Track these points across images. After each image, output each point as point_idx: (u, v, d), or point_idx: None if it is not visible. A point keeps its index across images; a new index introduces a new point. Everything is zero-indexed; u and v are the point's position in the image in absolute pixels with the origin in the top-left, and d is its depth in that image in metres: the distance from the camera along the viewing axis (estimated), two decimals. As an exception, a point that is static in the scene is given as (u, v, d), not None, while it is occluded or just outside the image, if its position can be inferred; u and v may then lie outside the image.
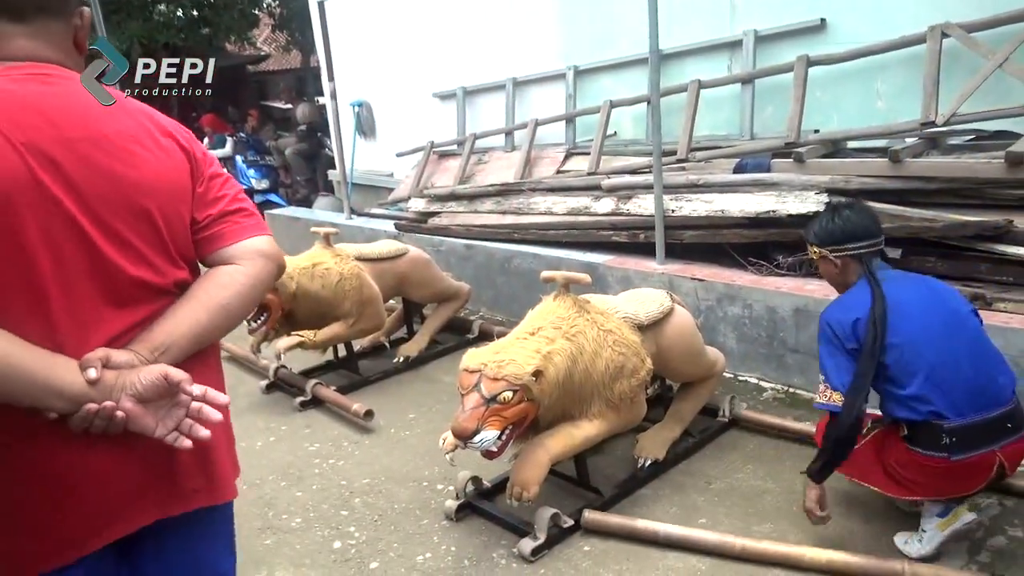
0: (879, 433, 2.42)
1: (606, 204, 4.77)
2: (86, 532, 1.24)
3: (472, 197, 5.74)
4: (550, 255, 4.78)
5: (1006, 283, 3.38)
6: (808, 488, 2.40)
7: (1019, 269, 3.36)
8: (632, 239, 4.54)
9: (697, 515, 2.79)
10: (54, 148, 1.17)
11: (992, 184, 3.53)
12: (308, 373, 4.35)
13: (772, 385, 3.78)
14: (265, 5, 16.91)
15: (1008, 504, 2.68)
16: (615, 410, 2.74)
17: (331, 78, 6.53)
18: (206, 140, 9.84)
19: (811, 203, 3.80)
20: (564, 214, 4.99)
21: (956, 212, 3.55)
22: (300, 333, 4.04)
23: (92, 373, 1.14)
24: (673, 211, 4.29)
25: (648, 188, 4.40)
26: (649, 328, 2.95)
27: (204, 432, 1.21)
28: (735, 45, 4.98)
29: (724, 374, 3.47)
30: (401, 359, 4.49)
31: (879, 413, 2.41)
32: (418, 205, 6.13)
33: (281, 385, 4.26)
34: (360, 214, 6.94)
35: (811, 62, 4.40)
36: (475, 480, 2.93)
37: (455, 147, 6.78)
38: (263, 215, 7.73)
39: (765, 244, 4.07)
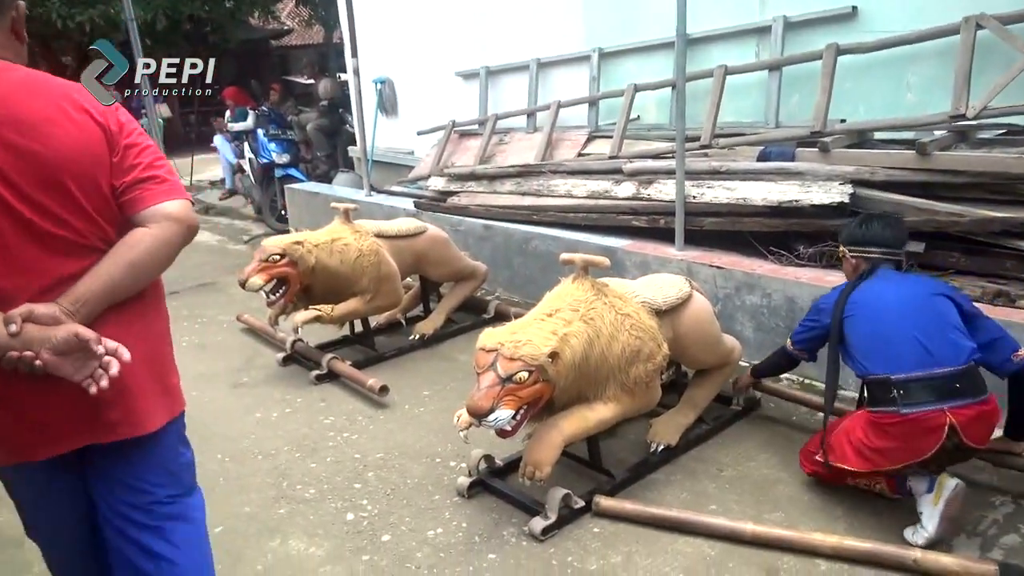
0: (848, 422, 2.64)
1: (627, 188, 4.74)
2: (35, 442, 1.57)
3: (492, 177, 5.73)
4: (568, 238, 4.77)
5: (1031, 281, 3.34)
6: (744, 376, 3.30)
7: (1045, 267, 3.32)
8: (652, 224, 4.52)
9: (708, 501, 2.80)
10: None
11: (1023, 180, 3.47)
12: (324, 347, 4.38)
13: (788, 376, 3.75)
14: (289, -22, 16.87)
15: (1023, 503, 2.67)
16: (630, 394, 2.75)
17: (354, 54, 6.52)
18: (228, 113, 9.86)
19: (835, 194, 3.76)
20: (584, 197, 4.97)
21: (983, 207, 3.50)
22: (318, 307, 4.08)
23: (13, 328, 1.40)
24: (694, 197, 4.26)
25: (670, 173, 4.37)
26: (667, 313, 2.94)
27: (104, 383, 1.44)
28: (763, 31, 4.91)
29: (740, 363, 3.46)
30: (417, 337, 4.51)
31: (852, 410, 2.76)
32: (438, 184, 6.13)
33: (298, 358, 4.29)
34: (379, 191, 6.94)
35: (840, 51, 4.33)
36: (488, 458, 2.95)
37: (476, 127, 6.76)
38: (282, 187, 7.79)
39: (786, 234, 4.04)
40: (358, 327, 4.54)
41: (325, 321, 4.11)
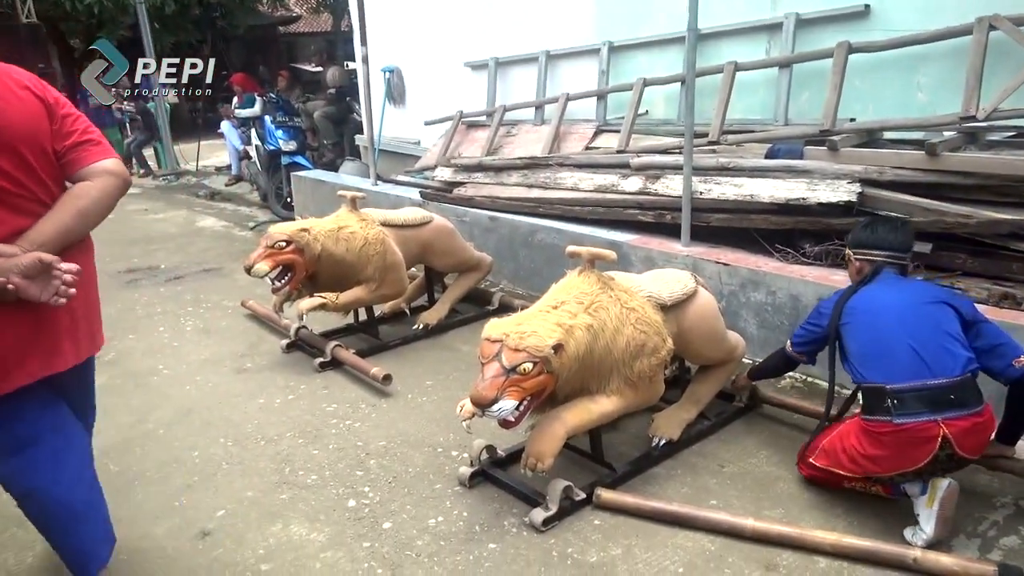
0: (843, 427, 2.66)
1: (634, 183, 4.73)
2: (10, 367, 1.88)
3: (499, 169, 5.73)
4: (574, 231, 4.77)
5: (1037, 284, 3.33)
6: (742, 377, 3.32)
7: (1051, 270, 3.31)
8: (658, 219, 4.52)
9: (708, 497, 2.81)
10: None
11: (1031, 183, 3.46)
12: (328, 335, 4.39)
13: (791, 374, 3.76)
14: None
15: (1023, 505, 2.67)
16: (633, 388, 2.75)
17: (363, 42, 6.50)
18: (235, 99, 9.85)
19: (843, 192, 3.75)
20: (590, 191, 4.96)
21: (991, 209, 3.49)
22: (323, 295, 4.08)
23: None
24: (701, 193, 4.26)
25: (677, 169, 4.37)
26: (672, 308, 2.95)
27: (72, 291, 1.80)
28: (775, 28, 4.89)
29: (743, 360, 3.46)
30: (420, 326, 4.52)
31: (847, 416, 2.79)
32: (444, 174, 6.13)
33: (301, 345, 4.31)
34: (386, 180, 6.94)
35: (852, 49, 4.31)
36: (490, 448, 2.96)
37: (484, 118, 6.74)
38: (288, 174, 7.77)
39: (793, 231, 4.03)
40: (362, 315, 4.55)
41: (330, 309, 4.11)
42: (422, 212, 4.64)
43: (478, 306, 4.91)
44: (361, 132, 8.68)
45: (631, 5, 5.76)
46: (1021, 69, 3.67)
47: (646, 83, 5.34)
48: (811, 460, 2.74)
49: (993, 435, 2.57)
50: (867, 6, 4.45)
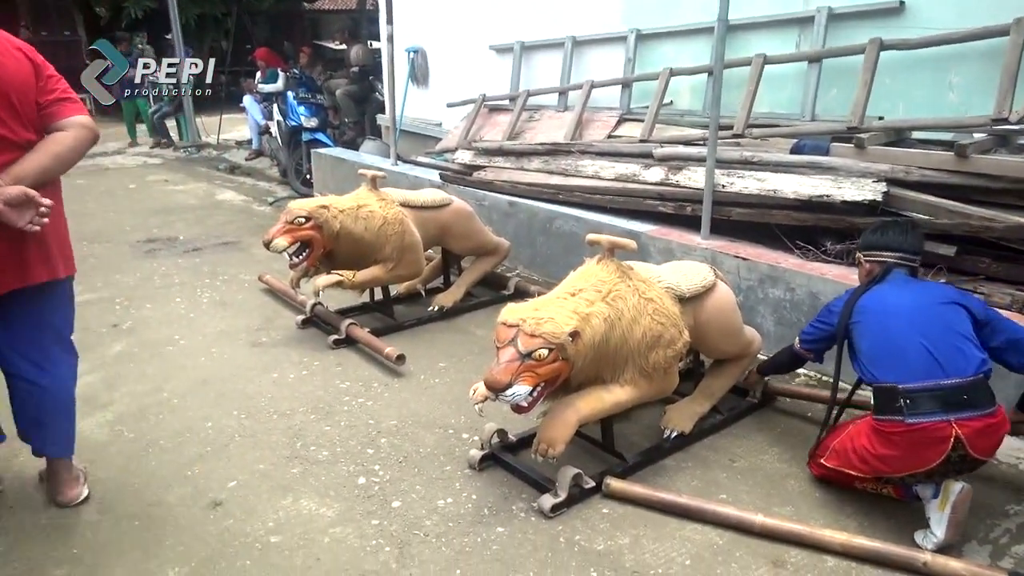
0: (853, 427, 2.65)
1: (656, 173, 4.70)
2: None
3: (520, 154, 5.70)
4: (593, 220, 4.75)
5: (1062, 292, 3.28)
6: (752, 373, 3.34)
7: (1078, 279, 3.26)
8: (679, 211, 4.48)
9: (718, 491, 2.80)
10: None
11: (1061, 189, 3.41)
12: (344, 312, 4.40)
13: (805, 371, 3.74)
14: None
15: (1036, 514, 2.65)
16: (647, 378, 2.74)
17: (389, 21, 6.48)
18: (258, 74, 9.86)
19: (868, 191, 3.71)
20: (612, 180, 4.93)
21: (1018, 214, 3.44)
22: (339, 272, 4.09)
23: None
24: (724, 186, 4.22)
25: (701, 161, 4.33)
26: (690, 301, 2.93)
27: (45, 220, 2.17)
28: (806, 21, 4.82)
29: (759, 356, 3.44)
30: (435, 308, 4.52)
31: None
32: (465, 157, 6.11)
33: (316, 322, 4.32)
34: (406, 161, 6.93)
35: (884, 46, 4.24)
36: (501, 433, 2.96)
37: (507, 102, 6.71)
38: (309, 151, 7.80)
39: (814, 229, 3.99)
40: (378, 295, 4.56)
41: (346, 287, 4.12)
42: (442, 194, 4.64)
43: (494, 290, 4.91)
44: (382, 111, 8.67)
45: (660, -7, 5.69)
46: (1057, 72, 3.60)
47: (672, 73, 5.29)
48: (822, 460, 2.73)
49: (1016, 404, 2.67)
50: (902, 3, 4.37)
